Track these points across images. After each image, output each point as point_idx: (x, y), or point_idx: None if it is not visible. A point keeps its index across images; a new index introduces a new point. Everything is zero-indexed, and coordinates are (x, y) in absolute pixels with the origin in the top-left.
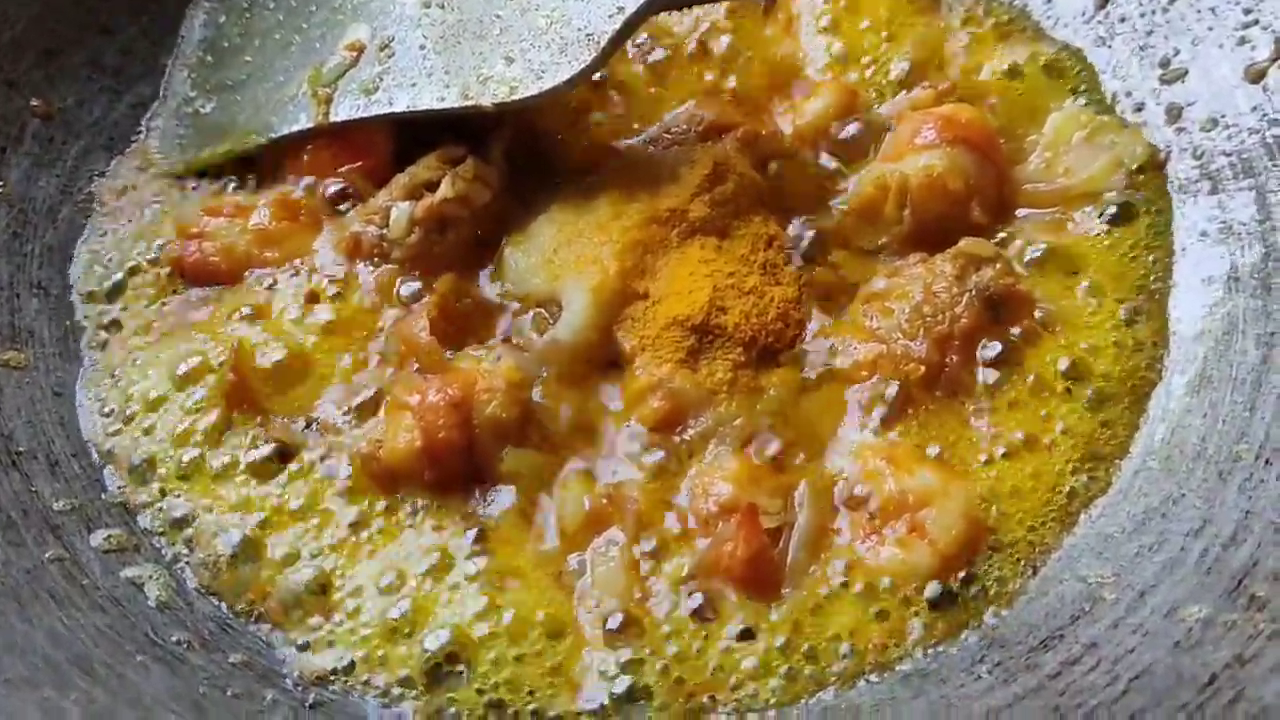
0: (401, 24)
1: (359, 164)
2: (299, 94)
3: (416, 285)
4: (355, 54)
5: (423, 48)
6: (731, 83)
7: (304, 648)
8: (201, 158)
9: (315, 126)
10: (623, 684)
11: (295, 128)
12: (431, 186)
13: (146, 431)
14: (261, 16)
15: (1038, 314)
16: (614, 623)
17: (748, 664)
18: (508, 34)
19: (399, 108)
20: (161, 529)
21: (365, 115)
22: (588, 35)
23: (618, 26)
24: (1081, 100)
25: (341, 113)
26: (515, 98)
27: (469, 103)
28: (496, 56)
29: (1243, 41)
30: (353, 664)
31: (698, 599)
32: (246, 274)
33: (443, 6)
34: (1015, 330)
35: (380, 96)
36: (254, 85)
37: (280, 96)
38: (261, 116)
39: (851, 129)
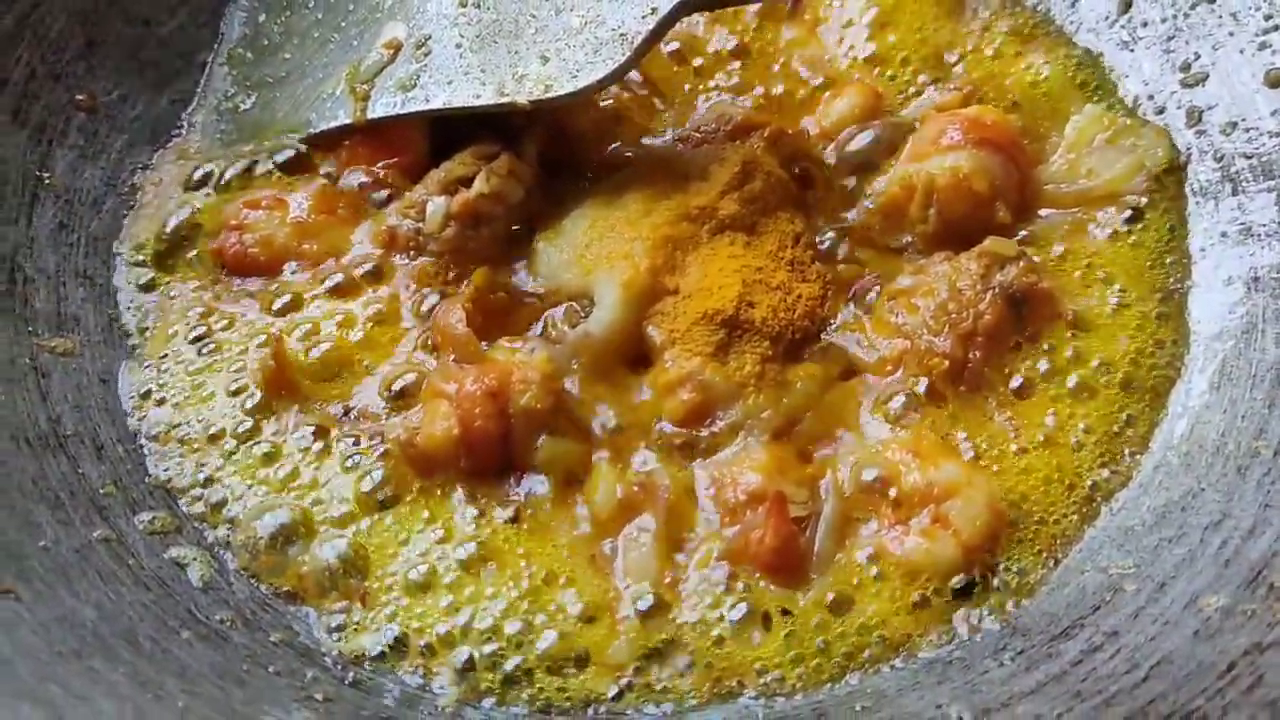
0: (438, 23)
1: (395, 160)
2: (337, 91)
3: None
4: (392, 52)
5: (459, 46)
6: (758, 83)
7: (342, 629)
8: (242, 152)
9: (353, 123)
10: (652, 667)
11: (334, 124)
12: (466, 182)
13: (188, 417)
14: (301, 14)
15: (1060, 311)
16: (644, 607)
17: (774, 650)
18: (543, 33)
19: (435, 105)
20: (203, 512)
21: (402, 112)
22: (621, 35)
23: (651, 27)
24: (1104, 103)
25: (379, 109)
26: (550, 95)
27: (505, 100)
28: (532, 55)
29: (1263, 46)
30: (390, 645)
31: (726, 585)
32: (285, 265)
33: (479, 6)
34: (1037, 327)
35: (417, 94)
36: (293, 82)
37: (319, 93)
38: (300, 113)
39: (863, 138)
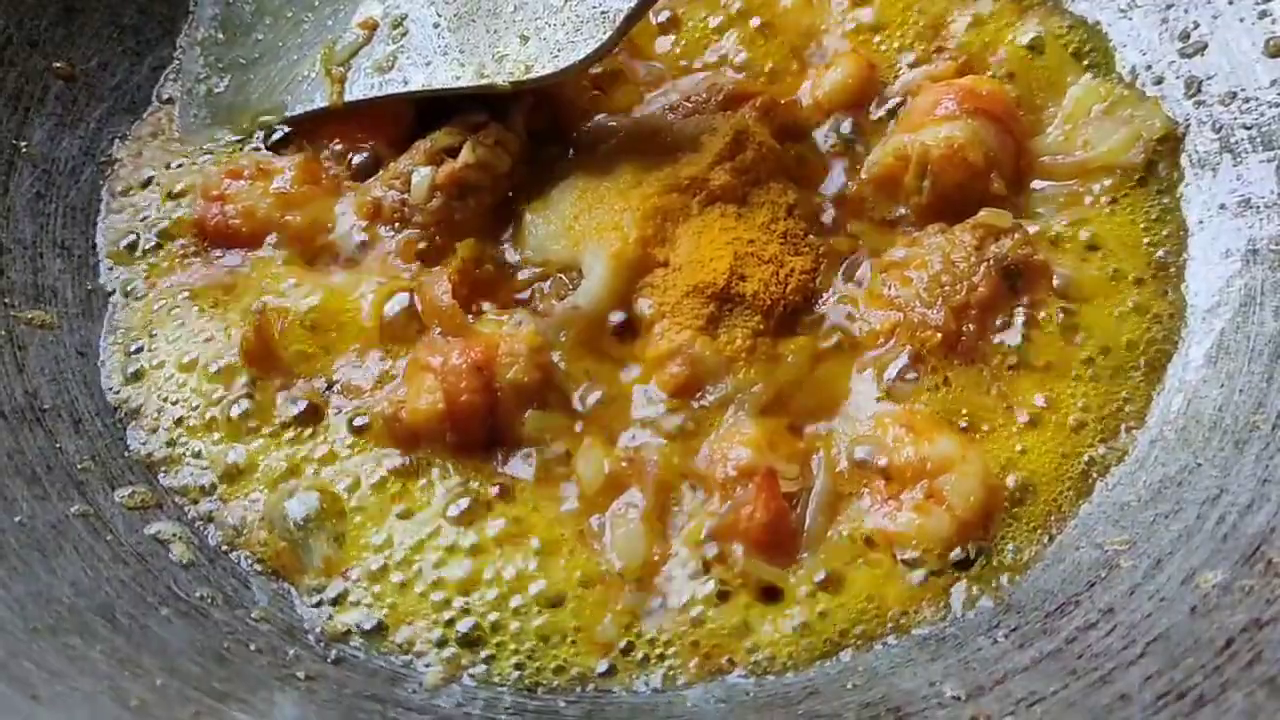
0: (414, 0)
1: (381, 130)
2: (312, 73)
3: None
4: (368, 32)
5: (436, 25)
6: (751, 52)
7: (324, 605)
8: (217, 139)
9: (330, 106)
10: (640, 644)
11: (310, 108)
12: (453, 152)
13: (170, 391)
14: None
15: (1055, 284)
16: (633, 583)
17: (765, 627)
18: (522, 11)
19: (414, 87)
20: (184, 487)
21: (380, 95)
22: (602, 12)
23: (633, 4)
24: (1101, 73)
25: (356, 92)
26: (531, 76)
27: (485, 82)
28: (511, 34)
29: (1263, 15)
30: (375, 623)
31: (716, 561)
32: (267, 237)
33: None
34: (1032, 300)
35: (395, 76)
36: (267, 64)
37: (294, 75)
38: (275, 96)
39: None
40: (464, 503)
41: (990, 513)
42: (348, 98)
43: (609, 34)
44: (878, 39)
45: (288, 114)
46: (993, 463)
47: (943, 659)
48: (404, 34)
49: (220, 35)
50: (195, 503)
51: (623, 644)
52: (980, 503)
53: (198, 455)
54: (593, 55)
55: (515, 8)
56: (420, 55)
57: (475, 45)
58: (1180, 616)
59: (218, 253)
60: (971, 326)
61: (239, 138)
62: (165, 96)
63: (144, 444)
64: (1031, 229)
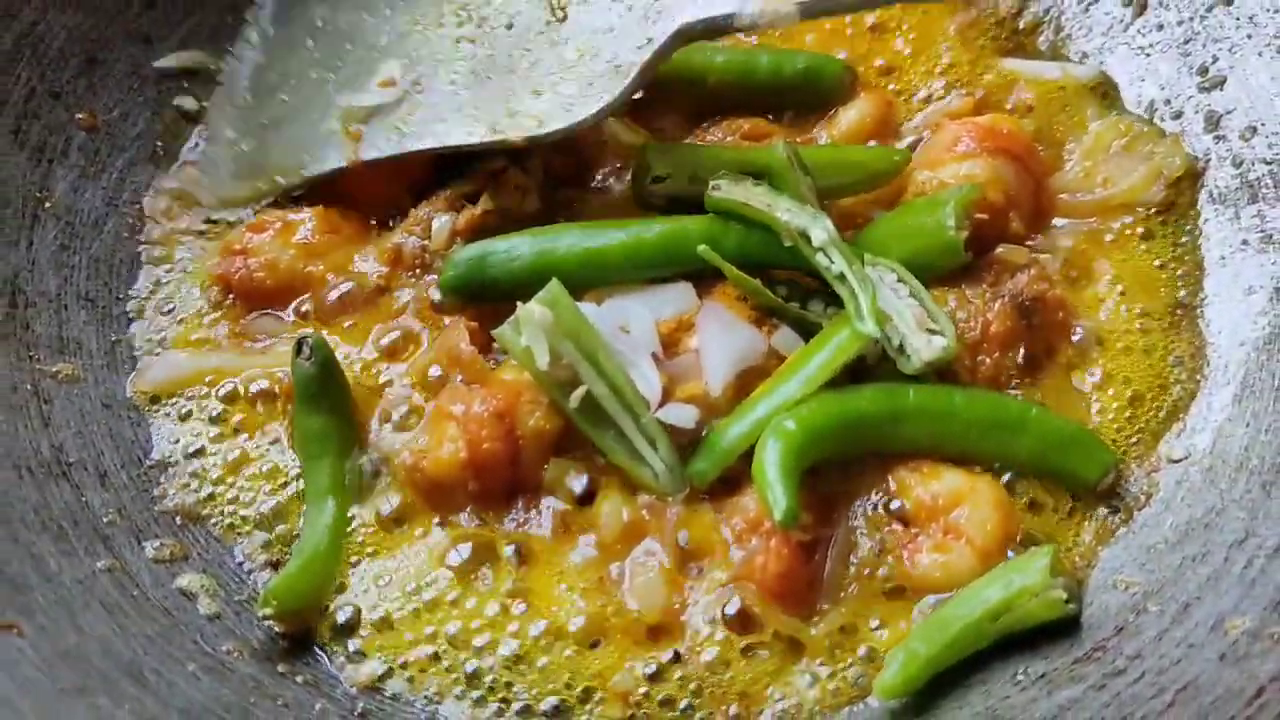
0: (432, 60)
1: (400, 177)
2: (330, 133)
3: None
4: (387, 90)
5: (452, 83)
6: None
7: (349, 658)
8: (241, 196)
9: (347, 165)
10: (660, 694)
11: (327, 167)
12: (472, 198)
13: (195, 440)
14: (299, 55)
15: (1072, 323)
16: (653, 633)
17: (789, 676)
18: (537, 68)
19: (428, 145)
20: (211, 538)
21: (396, 152)
22: (615, 67)
23: (646, 58)
24: (1119, 108)
25: (372, 151)
26: (544, 132)
27: (497, 137)
28: (525, 90)
29: None
30: (399, 675)
31: (735, 610)
32: (293, 291)
33: (474, 41)
34: (1049, 338)
35: (410, 134)
36: (289, 124)
37: (314, 135)
38: (295, 155)
39: None
40: (483, 553)
41: (1010, 538)
42: (364, 156)
43: (622, 87)
44: (894, 76)
45: (305, 173)
46: (1003, 491)
47: (969, 706)
48: (420, 92)
49: (250, 99)
50: (223, 553)
51: (644, 695)
52: (999, 529)
53: (226, 504)
54: (605, 109)
55: (530, 64)
56: (435, 113)
57: (489, 102)
58: (1209, 664)
59: (244, 306)
60: (987, 360)
61: (261, 197)
62: (188, 146)
63: (171, 495)
64: (1049, 265)
